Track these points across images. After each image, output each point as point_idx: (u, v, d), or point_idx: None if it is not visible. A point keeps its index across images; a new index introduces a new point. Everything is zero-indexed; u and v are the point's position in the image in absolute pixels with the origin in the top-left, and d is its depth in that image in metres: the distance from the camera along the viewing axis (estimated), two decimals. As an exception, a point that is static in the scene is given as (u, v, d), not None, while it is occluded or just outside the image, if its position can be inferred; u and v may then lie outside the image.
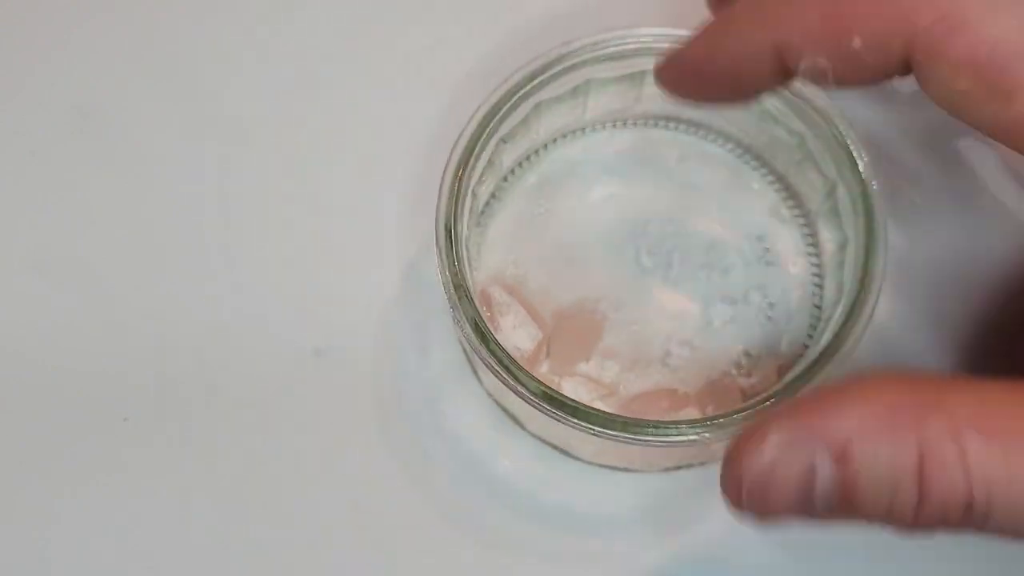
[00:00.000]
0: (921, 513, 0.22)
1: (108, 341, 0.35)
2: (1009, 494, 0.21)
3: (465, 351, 0.34)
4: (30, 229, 0.37)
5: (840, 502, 0.22)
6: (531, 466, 0.34)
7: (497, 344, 0.29)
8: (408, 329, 0.35)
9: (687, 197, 0.34)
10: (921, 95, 0.23)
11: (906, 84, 0.23)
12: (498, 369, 0.29)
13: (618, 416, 0.28)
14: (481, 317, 0.29)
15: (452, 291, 0.30)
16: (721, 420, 0.28)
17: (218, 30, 0.39)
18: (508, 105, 0.31)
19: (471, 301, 0.30)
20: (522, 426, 0.34)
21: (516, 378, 0.29)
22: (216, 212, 0.37)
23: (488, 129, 0.31)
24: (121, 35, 0.39)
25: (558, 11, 0.38)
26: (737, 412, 0.28)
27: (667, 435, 0.28)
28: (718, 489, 0.34)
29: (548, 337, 0.33)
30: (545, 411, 0.29)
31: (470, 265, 0.32)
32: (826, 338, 0.30)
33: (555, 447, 0.34)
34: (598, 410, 0.28)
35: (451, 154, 0.31)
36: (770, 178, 0.35)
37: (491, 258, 0.34)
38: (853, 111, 0.32)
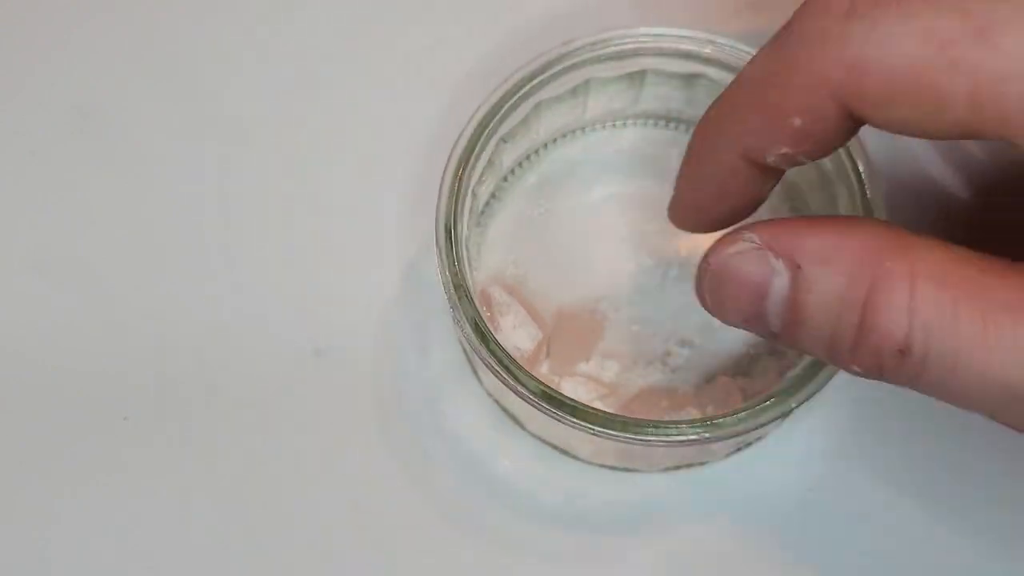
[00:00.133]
0: (858, 349, 0.23)
1: (108, 341, 0.35)
2: (948, 350, 0.22)
3: (465, 351, 0.34)
4: (30, 229, 0.37)
5: (788, 319, 0.24)
6: (531, 466, 0.34)
7: (497, 344, 0.29)
8: (408, 329, 0.35)
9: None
10: None
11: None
12: (498, 369, 0.29)
13: (618, 416, 0.28)
14: (481, 317, 0.29)
15: (452, 291, 0.30)
16: (721, 420, 0.28)
17: (218, 30, 0.39)
18: (508, 105, 0.31)
19: (471, 301, 0.30)
20: (522, 426, 0.34)
21: (516, 378, 0.29)
22: (216, 212, 0.37)
23: (488, 129, 0.31)
24: (121, 35, 0.39)
25: (558, 11, 0.38)
26: (737, 412, 0.28)
27: (667, 435, 0.28)
28: (718, 488, 0.34)
29: (548, 337, 0.33)
30: (545, 411, 0.29)
31: (470, 265, 0.32)
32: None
33: (555, 447, 0.34)
34: (598, 410, 0.28)
35: (451, 154, 0.31)
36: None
37: (491, 258, 0.34)
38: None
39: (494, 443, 0.34)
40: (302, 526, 0.33)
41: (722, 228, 0.27)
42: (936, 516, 0.33)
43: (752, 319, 0.25)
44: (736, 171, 0.25)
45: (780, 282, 0.24)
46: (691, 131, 0.35)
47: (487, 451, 0.34)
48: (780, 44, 0.23)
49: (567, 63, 0.32)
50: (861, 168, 0.31)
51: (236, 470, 0.34)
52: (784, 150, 0.24)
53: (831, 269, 0.23)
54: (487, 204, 0.35)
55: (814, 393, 0.29)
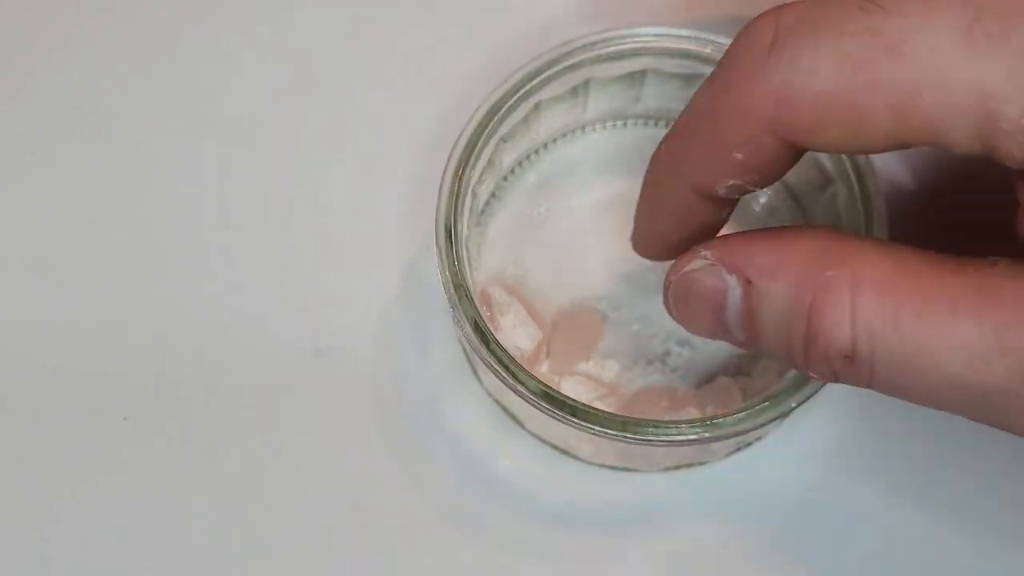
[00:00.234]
0: (809, 356, 0.24)
1: (108, 341, 0.35)
2: (893, 353, 0.22)
3: (465, 351, 0.34)
4: (30, 229, 0.37)
5: (747, 330, 0.25)
6: (531, 466, 0.34)
7: (497, 344, 0.29)
8: (408, 329, 0.35)
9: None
10: None
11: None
12: (498, 369, 0.29)
13: (618, 416, 0.28)
14: (481, 317, 0.29)
15: (452, 291, 0.30)
16: (721, 420, 0.28)
17: (218, 30, 0.39)
18: (508, 105, 0.31)
19: (471, 301, 0.30)
20: (522, 426, 0.34)
21: (516, 378, 0.29)
22: (216, 212, 0.37)
23: (488, 129, 0.31)
24: (121, 35, 0.39)
25: (558, 10, 0.38)
26: (737, 412, 0.28)
27: (667, 435, 0.28)
28: (718, 488, 0.34)
29: (548, 337, 0.33)
30: (545, 411, 0.29)
31: (470, 265, 0.32)
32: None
33: (555, 447, 0.34)
34: (598, 410, 0.28)
35: (451, 154, 0.31)
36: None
37: (491, 258, 0.34)
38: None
39: (494, 443, 0.34)
40: (302, 526, 0.33)
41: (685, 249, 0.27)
42: (936, 516, 0.33)
43: (717, 331, 0.26)
44: (689, 203, 0.26)
45: (735, 296, 0.25)
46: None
47: (487, 451, 0.34)
48: (715, 81, 0.24)
49: (567, 63, 0.32)
50: (861, 168, 0.31)
51: (236, 470, 0.34)
52: (732, 182, 0.24)
53: (778, 282, 0.24)
54: (487, 204, 0.35)
55: (814, 393, 0.29)
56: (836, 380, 0.24)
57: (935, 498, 0.33)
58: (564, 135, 0.35)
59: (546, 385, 0.29)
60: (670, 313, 0.28)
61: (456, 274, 0.30)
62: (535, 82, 0.32)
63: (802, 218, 0.34)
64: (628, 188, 0.35)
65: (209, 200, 0.37)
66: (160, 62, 0.38)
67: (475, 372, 0.34)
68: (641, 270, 0.34)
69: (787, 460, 0.34)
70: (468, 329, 0.29)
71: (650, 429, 0.28)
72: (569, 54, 0.32)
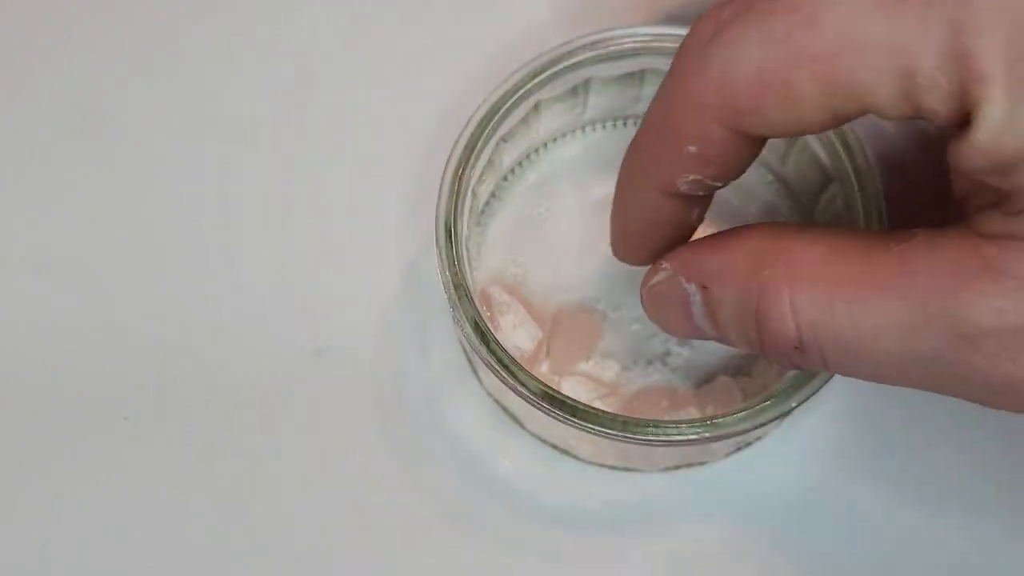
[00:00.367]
0: (766, 350, 0.25)
1: (108, 341, 0.35)
2: (836, 339, 0.24)
3: (465, 351, 0.34)
4: (30, 229, 0.37)
5: (708, 324, 0.27)
6: (531, 466, 0.34)
7: (497, 344, 0.29)
8: (408, 329, 0.35)
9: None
10: None
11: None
12: (498, 369, 0.29)
13: (618, 416, 0.28)
14: (481, 317, 0.29)
15: (452, 291, 0.30)
16: (721, 420, 0.28)
17: (218, 30, 0.39)
18: (508, 105, 0.31)
19: (471, 301, 0.30)
20: (522, 426, 0.34)
21: (516, 378, 0.29)
22: (216, 212, 0.37)
23: (488, 129, 0.31)
24: (121, 35, 0.39)
25: (558, 11, 0.38)
26: (737, 412, 0.28)
27: (667, 435, 0.28)
28: (718, 488, 0.34)
29: (548, 337, 0.33)
30: (545, 411, 0.29)
31: (470, 265, 0.32)
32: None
33: (555, 447, 0.34)
34: (598, 410, 0.28)
35: (451, 154, 0.31)
36: (769, 177, 0.35)
37: (491, 258, 0.34)
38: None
39: (494, 443, 0.34)
40: (302, 526, 0.33)
41: (664, 254, 0.28)
42: (936, 515, 0.33)
43: (691, 332, 0.28)
44: (657, 204, 0.26)
45: (696, 301, 0.27)
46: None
47: (487, 451, 0.34)
48: (666, 79, 0.25)
49: (567, 63, 0.32)
50: (861, 168, 0.31)
51: (236, 470, 0.34)
52: (692, 177, 0.25)
53: (726, 285, 0.26)
54: (487, 204, 0.35)
55: (814, 393, 0.29)
56: (798, 368, 0.26)
57: (935, 497, 0.33)
58: (564, 135, 0.35)
59: (546, 385, 0.29)
60: (650, 320, 0.29)
61: (456, 274, 0.30)
62: (535, 82, 0.32)
63: (802, 218, 0.34)
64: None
65: (209, 200, 0.37)
66: (160, 62, 0.38)
67: (475, 372, 0.34)
68: (641, 270, 0.34)
69: (787, 460, 0.34)
70: (468, 329, 0.29)
71: (650, 429, 0.28)
72: (569, 54, 0.32)
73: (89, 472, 0.34)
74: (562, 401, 0.28)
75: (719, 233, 0.27)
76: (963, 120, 0.21)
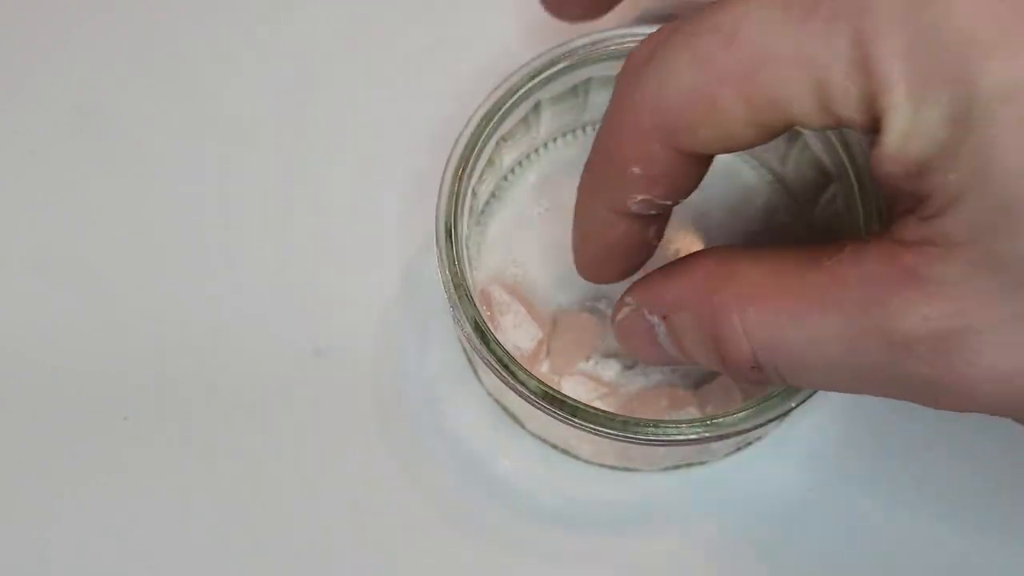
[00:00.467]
0: (730, 371, 0.26)
1: (108, 341, 0.35)
2: (787, 355, 0.24)
3: (465, 351, 0.34)
4: (30, 229, 0.37)
5: (676, 351, 0.27)
6: (531, 466, 0.34)
7: (497, 343, 0.29)
8: (408, 329, 0.35)
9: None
10: None
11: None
12: (498, 368, 0.29)
13: (618, 415, 0.28)
14: (481, 316, 0.29)
15: (452, 290, 0.30)
16: (721, 419, 0.28)
17: (218, 30, 0.39)
18: (508, 104, 0.31)
19: (471, 300, 0.30)
20: (522, 425, 0.34)
21: (516, 377, 0.29)
22: (216, 212, 0.37)
23: (488, 128, 0.31)
24: (121, 35, 0.39)
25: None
26: (737, 411, 0.28)
27: (667, 434, 0.28)
28: (718, 488, 0.34)
29: (548, 336, 0.33)
30: (545, 410, 0.29)
31: (470, 264, 0.32)
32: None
33: (555, 447, 0.34)
34: (598, 409, 0.28)
35: (451, 153, 0.31)
36: (769, 177, 0.35)
37: (491, 257, 0.34)
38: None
39: (494, 443, 0.34)
40: (302, 526, 0.33)
41: (630, 274, 0.29)
42: (935, 515, 0.33)
43: (664, 359, 0.28)
44: (611, 224, 0.27)
45: (661, 331, 0.27)
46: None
47: (487, 451, 0.34)
48: (610, 102, 0.26)
49: (567, 63, 0.32)
50: (861, 167, 0.31)
51: (236, 470, 0.34)
52: (640, 197, 0.25)
53: (685, 311, 0.26)
54: (487, 203, 0.35)
55: (813, 393, 0.29)
56: (761, 384, 0.26)
57: (934, 498, 0.33)
58: (564, 135, 0.35)
59: (546, 385, 0.29)
60: (626, 353, 0.30)
61: (456, 274, 0.30)
62: (535, 82, 0.32)
63: (802, 218, 0.34)
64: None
65: (209, 200, 0.37)
66: (160, 62, 0.38)
67: (475, 372, 0.34)
68: (641, 269, 0.34)
69: (787, 460, 0.34)
70: (468, 329, 0.29)
71: (650, 429, 0.28)
72: (569, 54, 0.32)
73: (89, 472, 0.34)
74: (562, 401, 0.28)
75: (673, 262, 0.28)
76: (877, 127, 0.22)
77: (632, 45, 0.32)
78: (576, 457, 0.34)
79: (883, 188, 0.23)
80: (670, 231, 0.34)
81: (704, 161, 0.25)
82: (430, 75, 0.38)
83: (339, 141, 0.37)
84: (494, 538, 0.34)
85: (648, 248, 0.28)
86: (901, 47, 0.21)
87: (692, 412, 0.32)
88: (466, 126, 0.31)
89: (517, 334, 0.33)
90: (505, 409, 0.34)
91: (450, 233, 0.30)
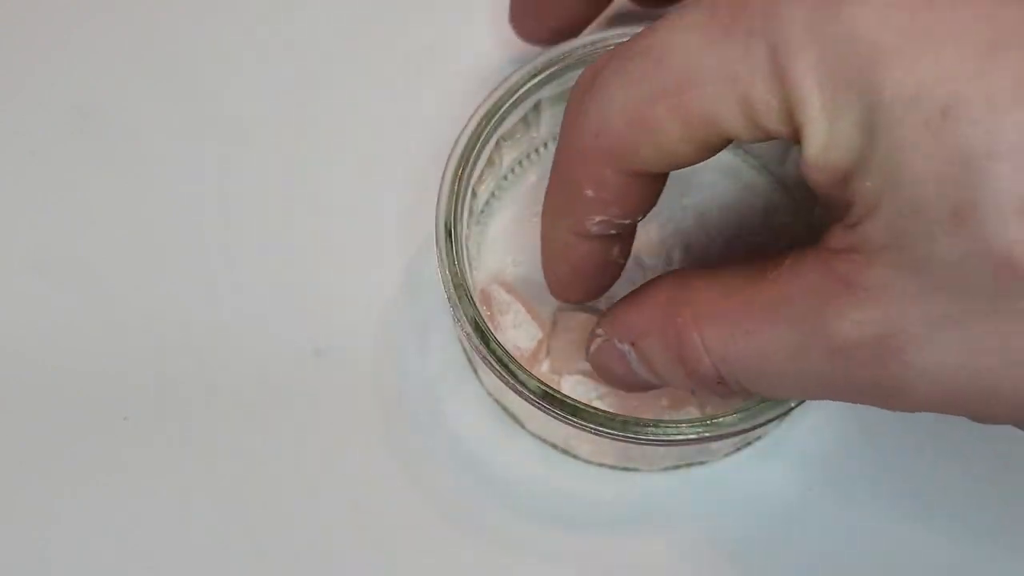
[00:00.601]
0: (698, 388, 0.26)
1: (108, 341, 0.35)
2: (745, 368, 0.25)
3: (465, 350, 0.34)
4: (30, 229, 0.37)
5: (650, 375, 0.28)
6: (531, 466, 0.34)
7: (497, 343, 0.29)
8: (408, 329, 0.35)
9: (686, 196, 0.34)
10: None
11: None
12: (498, 368, 0.29)
13: (618, 415, 0.28)
14: (481, 316, 0.29)
15: (452, 290, 0.30)
16: (721, 419, 0.28)
17: (218, 30, 0.39)
18: (508, 104, 0.31)
19: (471, 300, 0.30)
20: (522, 425, 0.34)
21: (516, 377, 0.29)
22: (216, 212, 0.37)
23: (488, 128, 0.31)
24: (121, 35, 0.39)
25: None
26: (737, 411, 0.28)
27: (666, 434, 0.28)
28: (718, 488, 0.34)
29: (548, 336, 0.33)
30: (545, 410, 0.29)
31: (470, 264, 0.32)
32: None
33: (555, 446, 0.34)
34: (598, 409, 0.28)
35: (451, 153, 0.31)
36: (769, 177, 0.35)
37: (491, 257, 0.34)
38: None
39: (494, 443, 0.34)
40: (302, 526, 0.33)
41: (601, 293, 0.30)
42: (935, 515, 0.33)
43: (642, 385, 0.29)
44: (574, 246, 0.28)
45: (633, 358, 0.28)
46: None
47: (487, 451, 0.34)
48: (561, 127, 0.27)
49: (567, 62, 0.32)
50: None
51: (236, 470, 0.34)
52: (599, 218, 0.26)
53: (651, 337, 0.27)
54: (487, 203, 0.35)
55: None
56: (729, 398, 0.27)
57: (934, 498, 0.33)
58: (564, 135, 0.35)
59: (546, 384, 0.29)
60: (606, 384, 0.30)
61: (456, 274, 0.30)
62: (535, 82, 0.32)
63: (802, 219, 0.34)
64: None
65: (209, 200, 0.37)
66: (160, 62, 0.38)
67: (475, 372, 0.34)
68: (641, 268, 0.34)
69: (787, 460, 0.34)
70: (468, 328, 0.29)
71: (650, 429, 0.28)
72: (569, 54, 0.32)
73: (89, 472, 0.34)
74: (562, 400, 0.28)
75: (636, 290, 0.28)
76: (800, 137, 0.22)
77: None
78: (576, 457, 0.34)
79: (819, 197, 0.24)
80: (671, 232, 0.34)
81: (656, 179, 0.26)
82: (430, 75, 0.38)
83: (339, 141, 0.37)
84: (494, 538, 0.34)
85: (615, 267, 0.29)
86: (812, 60, 0.21)
87: (692, 412, 0.32)
88: (466, 126, 0.31)
89: (517, 334, 0.33)
90: (505, 409, 0.34)
91: (450, 233, 0.30)
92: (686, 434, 0.28)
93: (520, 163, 0.35)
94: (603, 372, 0.29)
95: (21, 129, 0.38)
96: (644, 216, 0.27)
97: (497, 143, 0.32)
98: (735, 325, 0.25)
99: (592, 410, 0.28)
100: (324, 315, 0.36)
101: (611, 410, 0.29)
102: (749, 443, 0.34)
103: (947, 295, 0.21)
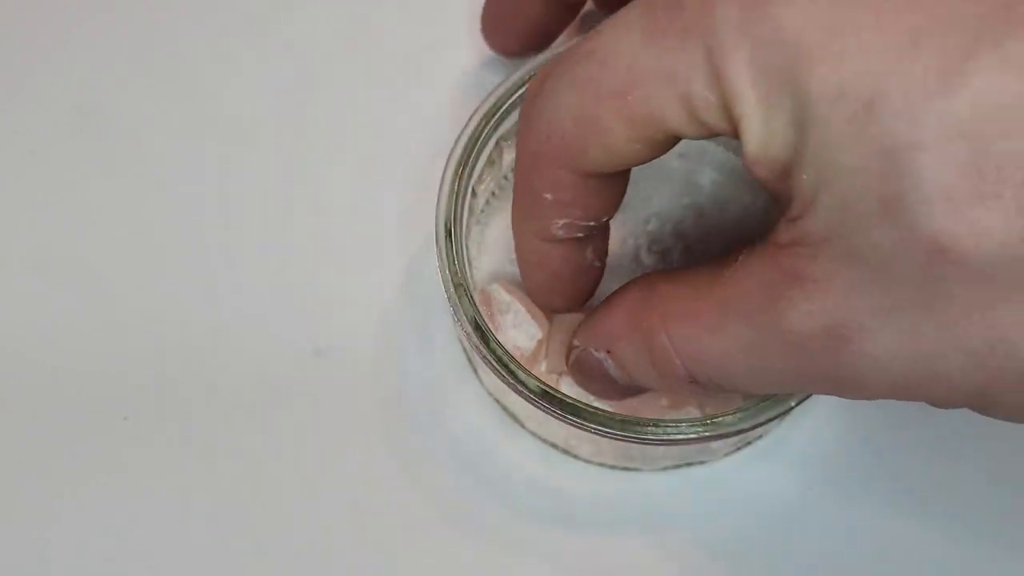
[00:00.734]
0: (675, 389, 0.27)
1: (108, 341, 0.35)
2: (713, 366, 0.25)
3: (465, 350, 0.34)
4: (30, 229, 0.37)
5: (629, 380, 0.28)
6: (531, 466, 0.34)
7: (497, 343, 0.29)
8: (408, 329, 0.35)
9: (686, 195, 0.34)
10: None
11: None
12: (498, 368, 0.29)
13: (617, 415, 0.28)
14: (481, 316, 0.29)
15: (452, 290, 0.30)
16: (721, 419, 0.28)
17: (218, 30, 0.39)
18: (508, 104, 0.31)
19: (471, 300, 0.30)
20: (522, 425, 0.34)
21: (516, 377, 0.29)
22: (216, 212, 0.37)
23: (488, 128, 0.31)
24: (121, 35, 0.39)
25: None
26: (737, 411, 0.28)
27: (666, 434, 0.28)
28: (718, 488, 0.34)
29: (548, 335, 0.33)
30: (545, 410, 0.29)
31: (470, 264, 0.32)
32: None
33: (555, 446, 0.34)
34: (598, 409, 0.28)
35: (451, 153, 0.31)
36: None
37: (491, 257, 0.34)
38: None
39: (494, 443, 0.34)
40: (302, 526, 0.33)
41: (585, 298, 0.30)
42: (935, 515, 0.33)
43: (624, 393, 0.29)
44: (545, 252, 0.28)
45: (610, 365, 0.28)
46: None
47: (487, 451, 0.34)
48: (516, 133, 0.27)
49: (567, 63, 0.32)
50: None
51: (236, 470, 0.34)
52: (562, 222, 0.27)
53: (624, 342, 0.27)
54: (487, 203, 0.35)
55: (812, 393, 0.29)
56: (704, 396, 0.28)
57: (934, 497, 0.33)
58: (564, 134, 0.35)
59: (546, 384, 0.29)
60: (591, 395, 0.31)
61: (456, 273, 0.30)
62: (535, 81, 0.32)
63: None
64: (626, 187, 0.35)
65: (209, 200, 0.37)
66: (160, 62, 0.38)
67: (475, 372, 0.34)
68: (641, 268, 0.34)
69: (787, 459, 0.34)
70: (468, 328, 0.29)
71: (650, 428, 0.28)
72: (569, 54, 0.32)
73: (89, 472, 0.34)
74: (562, 400, 0.28)
75: (607, 298, 0.28)
76: (738, 134, 0.23)
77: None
78: (576, 457, 0.34)
79: (768, 192, 0.24)
80: (671, 232, 0.34)
81: (613, 179, 0.26)
82: (430, 75, 0.38)
83: (339, 141, 0.37)
84: (494, 538, 0.34)
85: (592, 271, 0.29)
86: (745, 59, 0.22)
87: (692, 411, 0.32)
88: (466, 125, 0.31)
89: (517, 334, 0.33)
90: (505, 409, 0.34)
91: (450, 232, 0.30)
92: (686, 434, 0.28)
93: (520, 163, 0.35)
94: (584, 382, 0.30)
95: (21, 129, 0.38)
96: (610, 217, 0.27)
97: (497, 143, 0.32)
98: (700, 324, 0.25)
99: (592, 410, 0.28)
100: (324, 315, 0.36)
101: (611, 410, 0.29)
102: (749, 443, 0.34)
103: (886, 285, 0.21)
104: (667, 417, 0.31)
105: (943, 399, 0.23)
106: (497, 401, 0.34)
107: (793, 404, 0.28)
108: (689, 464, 0.34)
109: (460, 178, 0.31)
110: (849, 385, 0.23)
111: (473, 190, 0.32)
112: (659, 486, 0.34)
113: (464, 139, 0.31)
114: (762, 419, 0.28)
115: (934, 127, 0.20)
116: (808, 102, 0.21)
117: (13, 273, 0.36)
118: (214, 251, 0.36)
